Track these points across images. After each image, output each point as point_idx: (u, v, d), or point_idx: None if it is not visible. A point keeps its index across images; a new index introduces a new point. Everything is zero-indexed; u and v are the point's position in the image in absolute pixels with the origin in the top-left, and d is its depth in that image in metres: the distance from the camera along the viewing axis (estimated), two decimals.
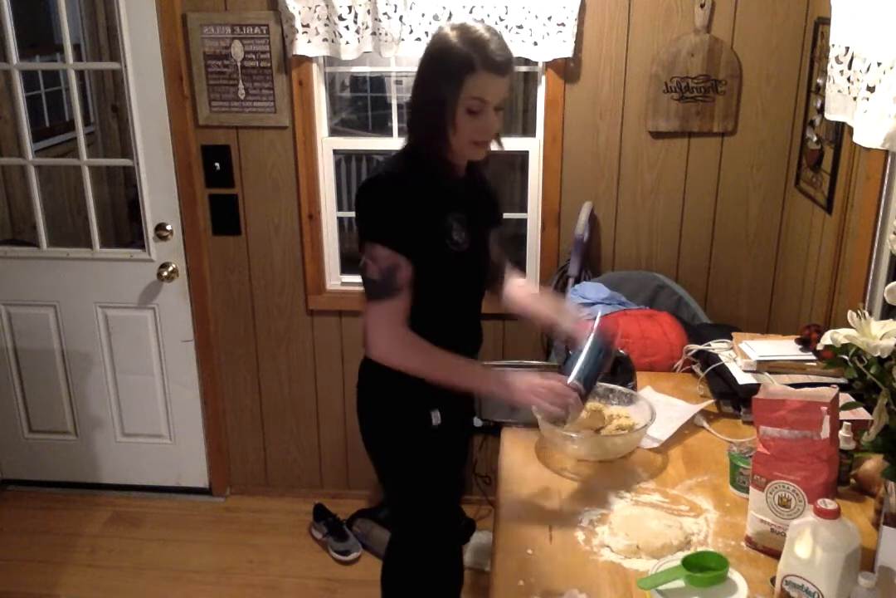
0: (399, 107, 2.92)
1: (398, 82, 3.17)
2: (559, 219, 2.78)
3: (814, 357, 1.96)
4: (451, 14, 2.51)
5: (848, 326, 1.38)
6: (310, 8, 2.56)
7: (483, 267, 1.84)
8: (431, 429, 1.81)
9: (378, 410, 1.86)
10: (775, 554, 1.36)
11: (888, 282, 1.75)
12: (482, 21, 1.69)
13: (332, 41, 2.59)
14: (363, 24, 2.56)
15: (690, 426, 1.93)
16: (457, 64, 1.57)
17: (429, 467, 1.86)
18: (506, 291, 1.96)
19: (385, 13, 2.52)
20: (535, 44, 2.53)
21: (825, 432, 1.37)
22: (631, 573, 1.42)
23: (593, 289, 2.55)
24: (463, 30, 1.60)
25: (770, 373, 1.94)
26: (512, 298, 1.95)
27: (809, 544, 1.21)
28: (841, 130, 2.18)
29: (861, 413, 1.69)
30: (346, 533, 2.91)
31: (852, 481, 1.65)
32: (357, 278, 2.96)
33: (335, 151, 2.89)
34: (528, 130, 2.77)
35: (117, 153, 4.19)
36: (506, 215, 1.96)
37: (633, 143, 2.70)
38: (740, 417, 1.97)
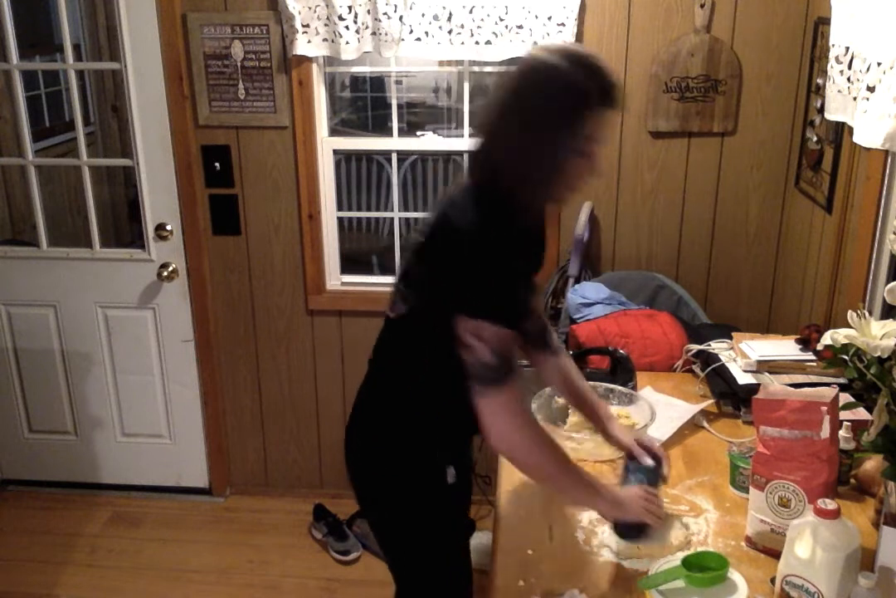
0: (399, 107, 2.92)
1: (398, 82, 3.17)
2: (559, 219, 2.78)
3: (814, 357, 1.96)
4: (451, 14, 2.51)
5: (848, 326, 1.38)
6: (310, 8, 2.56)
7: (529, 316, 1.66)
8: (446, 488, 1.62)
9: (383, 467, 1.66)
10: (775, 554, 1.36)
11: (888, 282, 1.76)
12: (579, 44, 1.42)
13: (332, 41, 2.59)
14: (363, 24, 2.56)
15: (690, 426, 1.93)
16: (575, 98, 1.32)
17: (443, 531, 1.68)
18: (557, 371, 1.73)
19: (385, 13, 2.52)
20: (536, 44, 2.53)
21: (825, 432, 1.37)
22: (631, 573, 1.42)
23: (593, 289, 2.55)
24: (573, 57, 1.33)
25: (770, 373, 1.94)
26: (565, 385, 1.74)
27: (809, 544, 1.21)
28: (841, 130, 2.18)
29: (861, 413, 1.69)
30: (346, 533, 2.91)
31: (852, 481, 1.65)
32: (357, 278, 3.01)
33: (335, 151, 2.89)
34: None
35: (117, 153, 4.19)
36: None
37: (633, 143, 2.70)
38: (740, 417, 1.97)
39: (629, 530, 1.45)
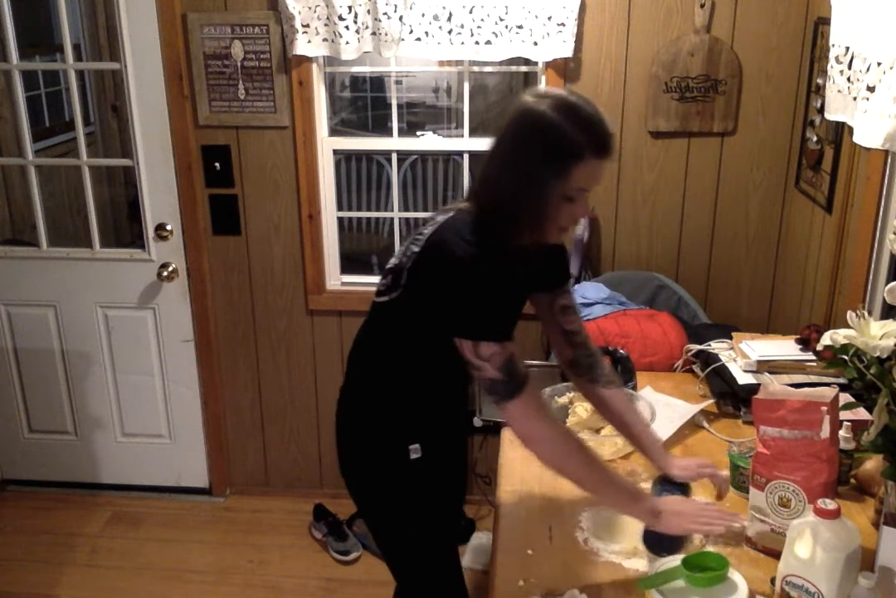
0: (399, 107, 2.92)
1: (398, 82, 3.17)
2: None
3: (814, 357, 1.96)
4: (451, 14, 2.51)
5: (848, 326, 1.38)
6: (310, 8, 2.56)
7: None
8: (410, 463, 1.66)
9: (355, 444, 1.74)
10: (775, 554, 1.36)
11: (888, 282, 1.76)
12: (572, 91, 1.49)
13: (332, 41, 2.59)
14: (363, 24, 2.56)
15: (690, 426, 1.93)
16: (565, 150, 1.38)
17: (412, 505, 1.71)
18: (606, 404, 1.72)
19: (385, 13, 2.52)
20: (535, 44, 2.52)
21: (825, 432, 1.37)
22: (631, 573, 1.42)
23: (593, 289, 2.55)
24: (564, 106, 1.40)
25: (770, 373, 1.94)
26: (615, 418, 1.72)
27: (809, 544, 1.21)
28: (841, 130, 2.18)
29: (861, 413, 1.69)
30: (346, 533, 2.91)
31: (852, 481, 1.65)
32: (357, 279, 3.01)
33: (335, 151, 2.89)
34: None
35: (117, 153, 4.19)
36: None
37: (633, 143, 2.70)
38: (740, 417, 1.97)
39: (657, 543, 1.45)
